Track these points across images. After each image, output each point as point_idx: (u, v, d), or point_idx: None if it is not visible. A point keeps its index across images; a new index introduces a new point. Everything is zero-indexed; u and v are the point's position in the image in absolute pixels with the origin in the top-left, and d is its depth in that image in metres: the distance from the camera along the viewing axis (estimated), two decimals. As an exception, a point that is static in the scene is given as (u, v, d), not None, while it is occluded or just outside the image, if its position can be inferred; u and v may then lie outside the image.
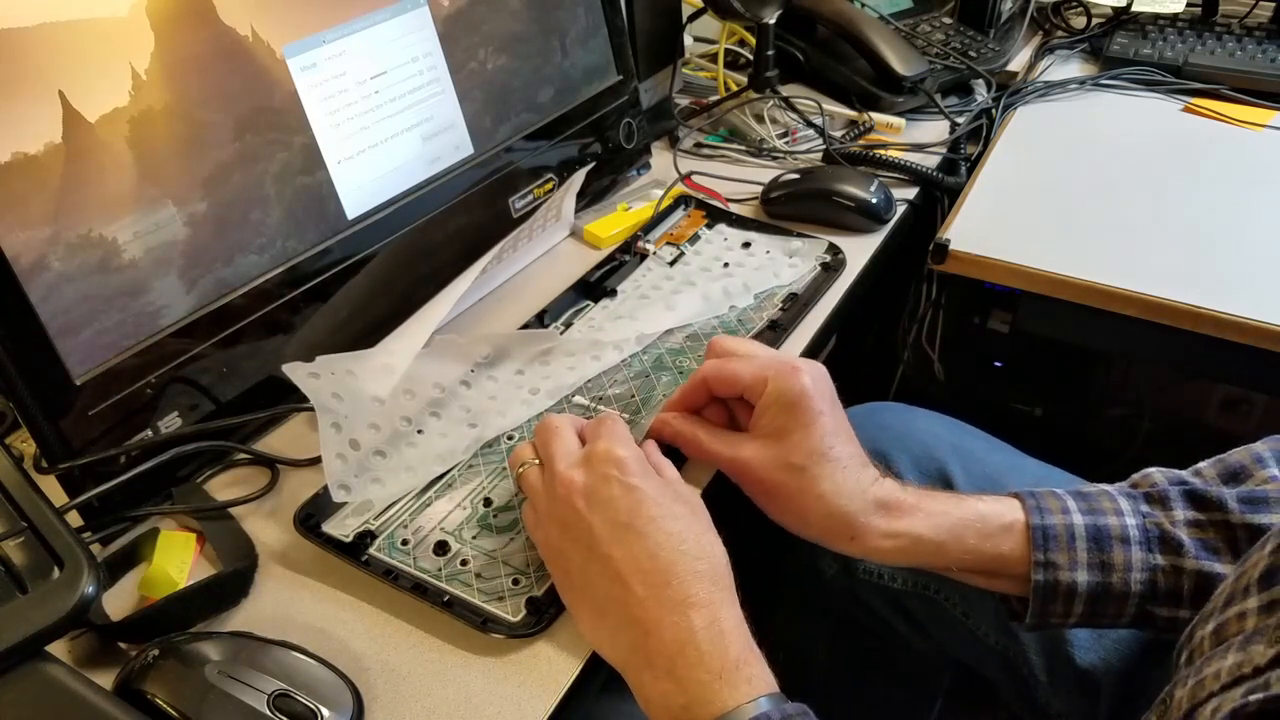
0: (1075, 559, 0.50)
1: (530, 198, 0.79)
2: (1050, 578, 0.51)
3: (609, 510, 0.47)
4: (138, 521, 0.57)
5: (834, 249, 0.78)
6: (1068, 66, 1.13)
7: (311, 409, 0.58)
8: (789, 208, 0.84)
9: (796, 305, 0.72)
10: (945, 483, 0.68)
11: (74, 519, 0.54)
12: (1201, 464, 0.54)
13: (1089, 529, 0.51)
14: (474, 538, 0.55)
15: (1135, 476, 0.55)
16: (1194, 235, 0.80)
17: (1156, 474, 0.54)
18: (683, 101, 1.04)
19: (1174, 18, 1.14)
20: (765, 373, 0.54)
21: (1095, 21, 1.16)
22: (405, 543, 0.54)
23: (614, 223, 0.83)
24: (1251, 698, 0.33)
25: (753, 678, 0.43)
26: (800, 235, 0.80)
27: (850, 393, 0.57)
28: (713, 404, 0.58)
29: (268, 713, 0.44)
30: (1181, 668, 0.41)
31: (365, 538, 0.54)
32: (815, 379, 0.54)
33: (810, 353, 0.71)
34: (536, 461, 0.53)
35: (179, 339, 0.57)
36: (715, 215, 0.84)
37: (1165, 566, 0.50)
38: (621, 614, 0.46)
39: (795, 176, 0.85)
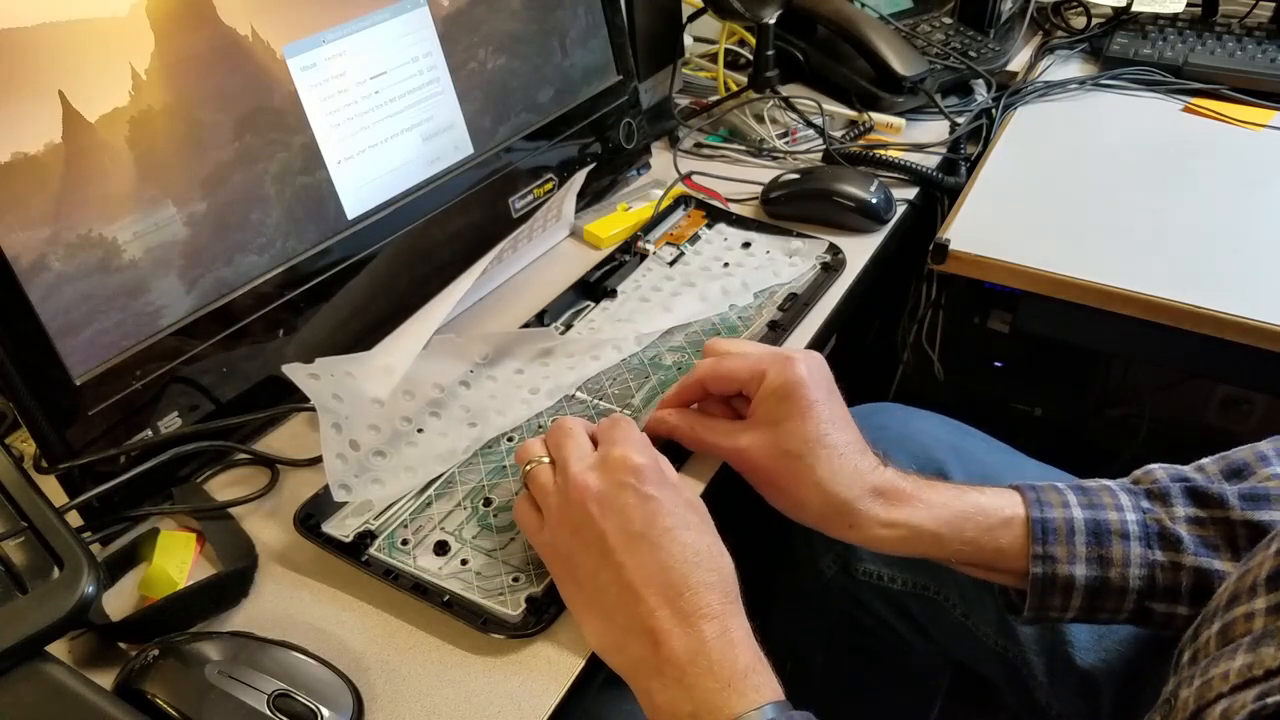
0: (1074, 553, 0.51)
1: (530, 198, 0.79)
2: (1048, 571, 0.51)
3: (623, 518, 0.47)
4: (138, 521, 0.57)
5: (834, 249, 0.78)
6: (1068, 66, 1.13)
7: (311, 409, 0.58)
8: (789, 208, 0.84)
9: (796, 305, 0.72)
10: (944, 483, 0.68)
11: (74, 519, 0.54)
12: (1204, 460, 0.54)
13: (1088, 523, 0.51)
14: (474, 537, 0.55)
15: (1137, 472, 0.55)
16: (1194, 235, 0.80)
17: (1158, 470, 0.54)
18: (683, 101, 1.04)
19: (1174, 18, 1.14)
20: (762, 365, 0.54)
21: (1095, 21, 1.16)
22: (405, 543, 0.54)
23: (614, 223, 0.83)
24: (1269, 700, 0.33)
25: (760, 686, 0.43)
26: (800, 235, 0.80)
27: (850, 393, 0.57)
28: (711, 399, 0.58)
29: (268, 713, 0.44)
30: (1185, 667, 0.41)
31: (365, 538, 0.54)
32: (811, 368, 0.54)
33: (810, 353, 0.71)
34: (546, 459, 0.52)
35: (179, 339, 0.57)
36: (715, 215, 0.84)
37: (1164, 563, 0.50)
38: (631, 622, 0.46)
39: (795, 176, 0.85)
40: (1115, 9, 1.16)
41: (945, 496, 0.53)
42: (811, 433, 0.52)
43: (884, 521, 0.52)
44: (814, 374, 0.54)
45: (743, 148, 0.97)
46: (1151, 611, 0.51)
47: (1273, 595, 0.38)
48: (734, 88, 1.03)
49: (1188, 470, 0.53)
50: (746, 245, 0.80)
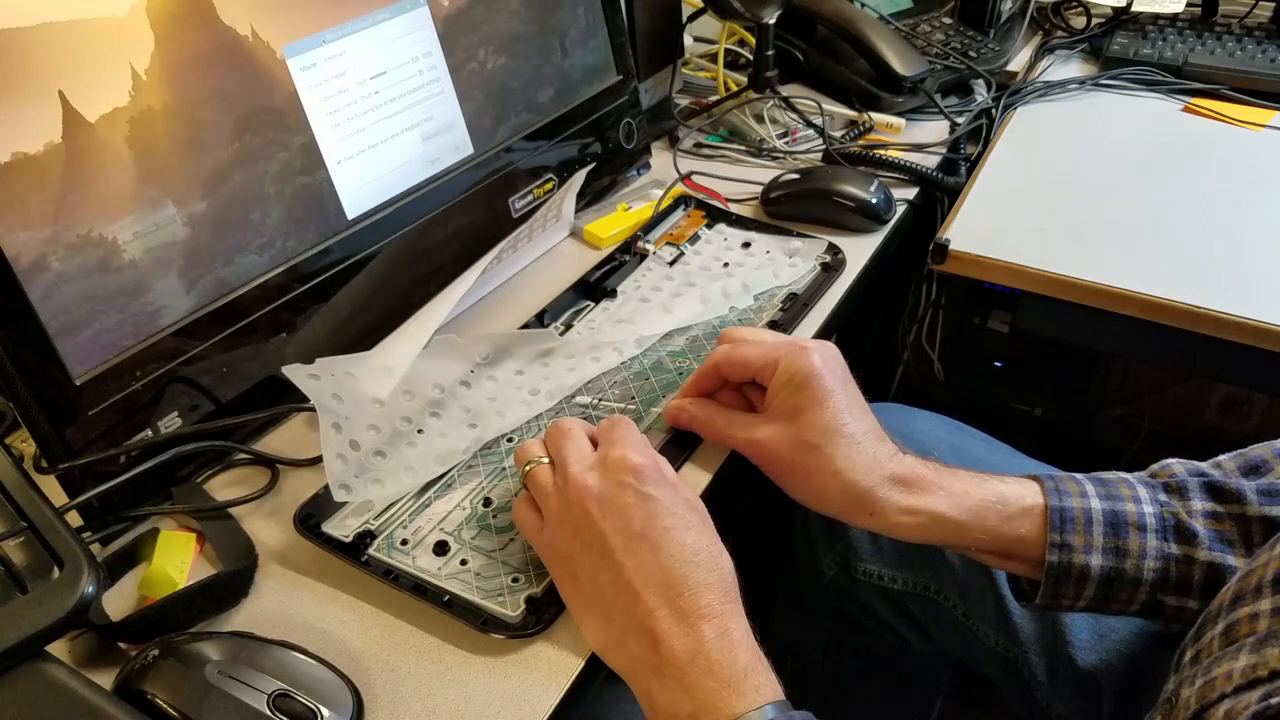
0: (1091, 542, 0.51)
1: (530, 198, 0.79)
2: (1064, 559, 0.51)
3: (623, 519, 0.47)
4: (138, 521, 0.57)
5: (834, 249, 0.78)
6: (1068, 66, 1.13)
7: (311, 409, 0.58)
8: (789, 208, 0.84)
9: (796, 305, 0.72)
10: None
11: (74, 519, 0.54)
12: (1222, 457, 0.54)
13: (1106, 514, 0.51)
14: (473, 538, 0.55)
15: (1154, 466, 0.55)
16: (1194, 235, 0.80)
17: (1176, 464, 0.54)
18: (683, 101, 1.04)
19: (1174, 18, 1.14)
20: (775, 354, 0.55)
21: (1095, 21, 1.16)
22: (405, 543, 0.54)
23: (614, 223, 0.83)
24: (1273, 700, 0.33)
25: (760, 685, 0.43)
26: (800, 235, 0.80)
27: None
28: (726, 390, 0.59)
29: (268, 713, 0.44)
30: (1187, 666, 0.41)
31: (365, 538, 0.54)
32: (825, 358, 0.54)
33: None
34: (545, 460, 0.52)
35: (179, 339, 0.57)
36: (715, 215, 0.84)
37: (1178, 556, 0.50)
38: (630, 622, 0.46)
39: (795, 176, 0.85)
40: (1115, 9, 1.16)
41: (965, 484, 0.53)
42: (829, 422, 0.52)
43: (904, 508, 0.52)
44: (828, 363, 0.54)
45: (743, 148, 0.97)
46: (1162, 605, 0.51)
47: (1278, 596, 0.38)
48: (734, 88, 1.03)
49: (1205, 466, 0.54)
50: (746, 245, 0.80)
